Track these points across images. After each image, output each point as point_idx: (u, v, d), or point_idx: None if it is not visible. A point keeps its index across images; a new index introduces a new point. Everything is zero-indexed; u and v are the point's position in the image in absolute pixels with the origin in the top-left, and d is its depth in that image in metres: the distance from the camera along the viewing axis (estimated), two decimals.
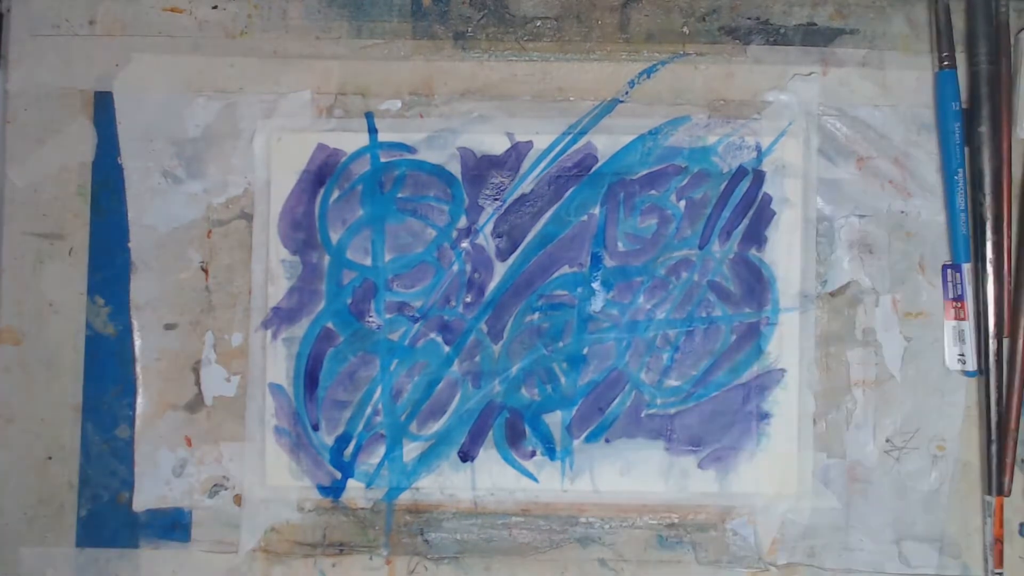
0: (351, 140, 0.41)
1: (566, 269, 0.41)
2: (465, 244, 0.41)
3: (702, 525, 0.41)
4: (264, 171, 0.41)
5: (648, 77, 0.42)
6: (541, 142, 0.41)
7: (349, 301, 0.41)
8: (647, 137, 0.41)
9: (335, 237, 0.41)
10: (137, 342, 0.41)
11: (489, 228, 0.41)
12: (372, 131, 0.41)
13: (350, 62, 0.41)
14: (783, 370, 0.41)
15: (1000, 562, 0.39)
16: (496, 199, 0.41)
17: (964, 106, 0.40)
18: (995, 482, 0.39)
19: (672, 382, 0.41)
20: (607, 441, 0.41)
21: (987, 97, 0.40)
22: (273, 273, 0.41)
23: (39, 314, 0.41)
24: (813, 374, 0.41)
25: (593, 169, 0.41)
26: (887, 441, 0.41)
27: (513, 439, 0.41)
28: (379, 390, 0.41)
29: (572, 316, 0.41)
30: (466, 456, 0.41)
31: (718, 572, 0.41)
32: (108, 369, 0.41)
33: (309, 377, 0.41)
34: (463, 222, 0.41)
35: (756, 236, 0.41)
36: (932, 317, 0.41)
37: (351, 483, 0.41)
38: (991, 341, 0.40)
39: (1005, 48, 0.40)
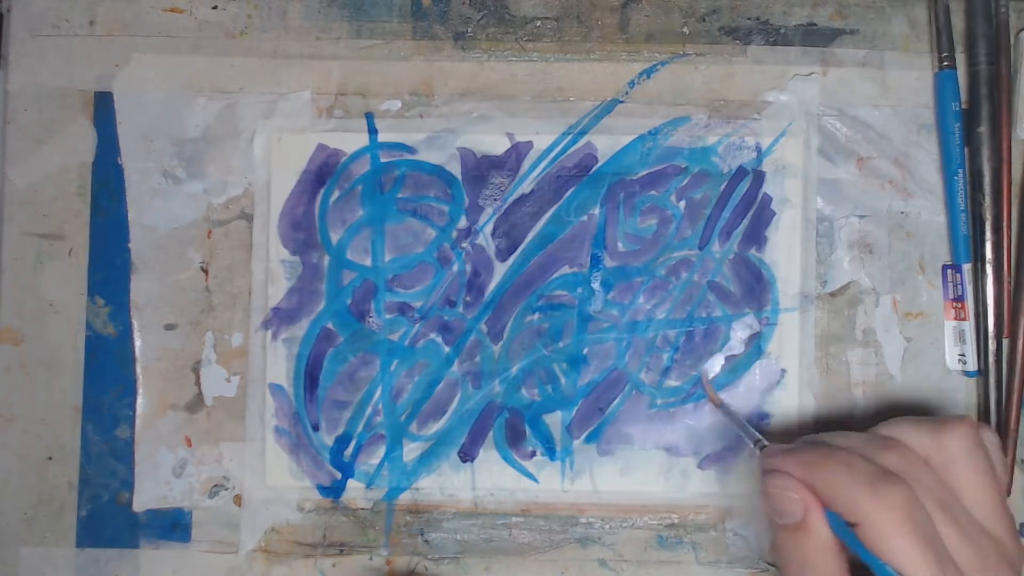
0: (351, 140, 0.41)
1: (566, 269, 0.41)
2: (465, 244, 0.41)
3: (702, 525, 0.41)
4: (264, 171, 0.41)
5: (648, 77, 0.42)
6: (541, 142, 0.41)
7: (349, 301, 0.41)
8: (647, 137, 0.41)
9: (335, 237, 0.41)
10: (137, 342, 0.41)
11: (489, 228, 0.41)
12: (372, 131, 0.41)
13: (350, 62, 0.41)
14: (783, 370, 0.41)
15: None
16: (496, 199, 0.41)
17: (964, 106, 0.40)
18: None
19: (672, 382, 0.41)
20: (608, 441, 0.41)
21: (987, 97, 0.40)
22: (273, 273, 0.41)
23: (39, 314, 0.41)
24: (813, 374, 0.41)
25: (593, 169, 0.41)
26: None
27: (513, 439, 0.41)
28: (379, 390, 0.41)
29: (572, 316, 0.41)
30: (466, 456, 0.41)
31: (718, 572, 0.41)
32: (108, 369, 0.41)
33: (309, 377, 0.41)
34: (463, 222, 0.41)
35: (756, 236, 0.41)
36: (932, 317, 0.41)
37: (351, 483, 0.41)
38: (991, 341, 0.40)
39: (1005, 48, 0.40)
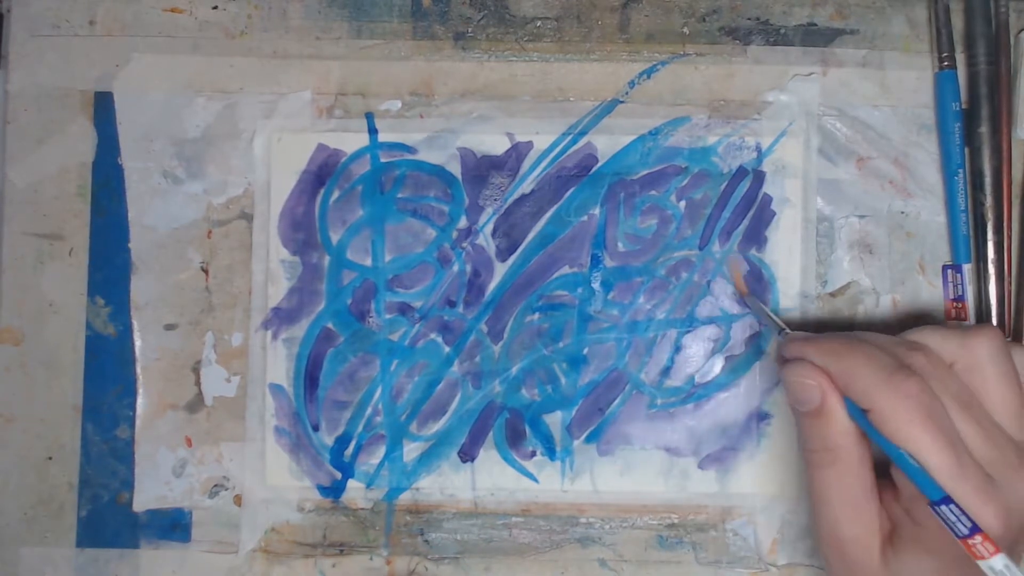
0: (351, 140, 0.41)
1: (566, 269, 0.41)
2: (465, 244, 0.41)
3: (702, 525, 0.41)
4: (264, 171, 0.41)
5: (648, 77, 0.42)
6: (541, 142, 0.41)
7: (349, 301, 0.41)
8: (647, 137, 0.41)
9: (335, 237, 0.41)
10: (137, 342, 0.41)
11: (489, 228, 0.41)
12: (372, 131, 0.41)
13: (350, 62, 0.41)
14: None
15: None
16: (496, 199, 0.41)
17: (964, 106, 0.40)
18: None
19: (672, 382, 0.41)
20: (607, 441, 0.41)
21: (987, 97, 0.40)
22: (273, 273, 0.41)
23: (39, 314, 0.41)
24: None
25: (593, 169, 0.41)
26: None
27: (513, 439, 0.41)
28: (379, 390, 0.41)
29: (572, 316, 0.41)
30: (466, 456, 0.41)
31: (718, 572, 0.41)
32: (108, 369, 0.41)
33: (309, 377, 0.41)
34: (463, 222, 0.41)
35: (756, 236, 0.41)
36: (932, 317, 0.41)
37: (351, 483, 0.41)
38: None
39: (1005, 48, 0.40)
